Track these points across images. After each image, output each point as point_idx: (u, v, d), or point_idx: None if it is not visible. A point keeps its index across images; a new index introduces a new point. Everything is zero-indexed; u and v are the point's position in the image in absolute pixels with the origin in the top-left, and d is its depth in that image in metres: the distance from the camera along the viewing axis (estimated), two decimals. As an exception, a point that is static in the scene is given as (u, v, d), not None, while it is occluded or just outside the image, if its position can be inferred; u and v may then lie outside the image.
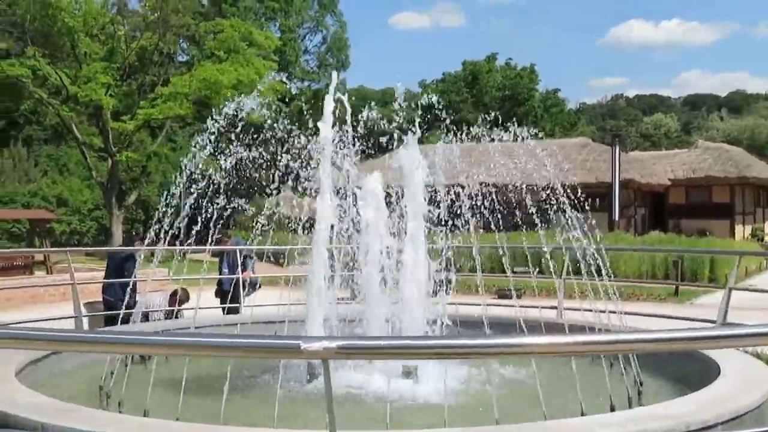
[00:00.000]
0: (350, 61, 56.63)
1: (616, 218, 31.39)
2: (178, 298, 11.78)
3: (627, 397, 6.16)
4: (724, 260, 21.85)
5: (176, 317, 11.20)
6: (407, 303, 6.91)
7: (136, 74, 34.30)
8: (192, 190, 7.63)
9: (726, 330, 3.54)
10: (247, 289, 11.47)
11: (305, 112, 8.34)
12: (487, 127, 8.82)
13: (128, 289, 9.32)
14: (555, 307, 10.55)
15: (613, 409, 5.65)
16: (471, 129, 8.80)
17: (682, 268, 22.05)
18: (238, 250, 11.30)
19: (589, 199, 36.24)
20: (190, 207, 7.47)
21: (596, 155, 36.05)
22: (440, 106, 8.85)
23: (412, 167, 7.34)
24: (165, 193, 7.64)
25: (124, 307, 8.28)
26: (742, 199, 39.26)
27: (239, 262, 11.18)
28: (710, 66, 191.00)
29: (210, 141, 7.92)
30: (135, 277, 10.02)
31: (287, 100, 47.28)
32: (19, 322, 10.13)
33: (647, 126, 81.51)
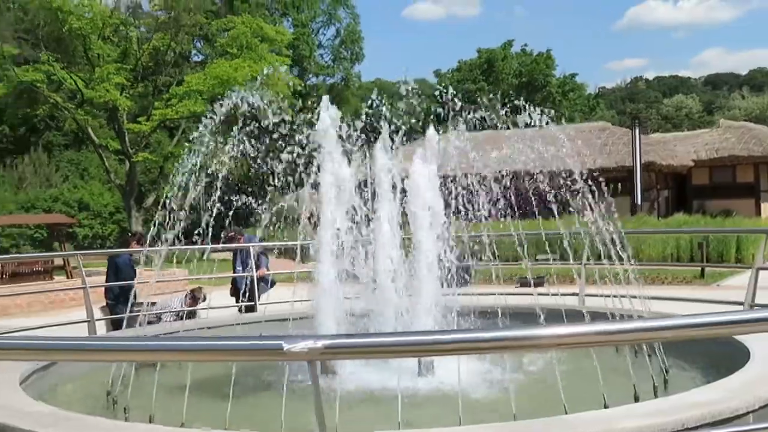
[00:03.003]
0: (364, 53, 56.38)
1: (639, 202, 30.91)
2: (195, 299, 11.67)
3: (652, 386, 5.90)
4: (751, 240, 21.39)
5: (184, 318, 11.09)
6: (419, 295, 6.68)
7: (150, 75, 34.28)
8: (197, 186, 7.47)
9: (753, 313, 3.25)
10: (261, 287, 11.30)
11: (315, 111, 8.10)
12: (505, 113, 8.59)
13: (131, 292, 9.15)
14: (577, 294, 10.27)
15: (637, 399, 5.39)
16: (486, 113, 8.55)
17: (707, 250, 21.61)
18: (251, 248, 11.12)
19: (611, 184, 35.69)
20: (203, 205, 7.35)
21: (615, 139, 35.52)
22: (453, 95, 8.59)
23: (421, 159, 7.14)
24: (166, 194, 7.49)
25: (127, 310, 8.14)
26: (768, 178, 38.56)
27: (252, 260, 11.00)
28: (731, 44, 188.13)
29: (215, 135, 7.78)
30: (136, 279, 9.88)
31: (302, 95, 47.11)
32: (30, 328, 10.06)
33: (668, 108, 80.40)
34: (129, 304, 9.24)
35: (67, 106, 32.19)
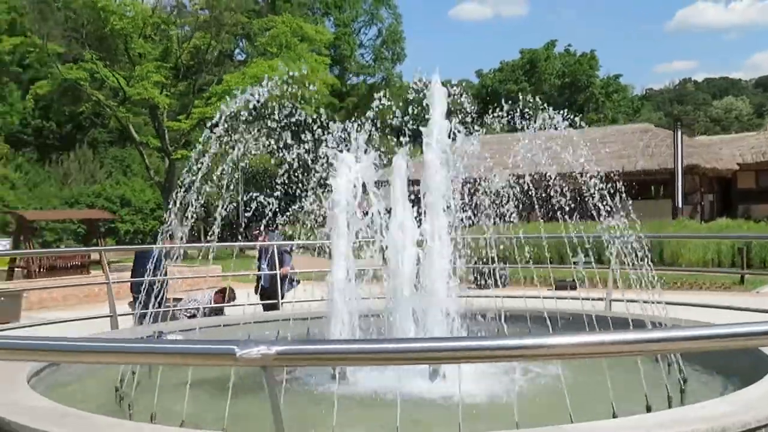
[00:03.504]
0: (405, 53, 56.23)
1: (680, 205, 30.28)
2: (226, 296, 11.73)
3: (666, 396, 5.70)
4: (795, 246, 20.79)
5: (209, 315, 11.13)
6: (430, 297, 6.56)
7: (191, 74, 34.59)
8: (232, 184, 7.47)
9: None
10: (285, 286, 11.27)
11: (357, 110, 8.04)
12: (547, 115, 8.44)
13: (155, 287, 9.17)
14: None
15: (649, 410, 5.20)
16: (525, 115, 8.42)
17: (749, 256, 21.04)
18: (275, 246, 11.11)
19: (652, 186, 34.97)
20: (239, 203, 7.37)
21: (658, 141, 34.89)
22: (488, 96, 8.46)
23: (437, 163, 7.02)
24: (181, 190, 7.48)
25: (152, 306, 8.16)
26: (817, 182, 37.49)
27: (276, 258, 10.99)
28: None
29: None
30: (164, 274, 9.91)
31: (341, 94, 47.17)
32: (52, 322, 10.17)
33: (717, 110, 78.74)
34: (153, 299, 9.26)
35: (109, 103, 32.67)
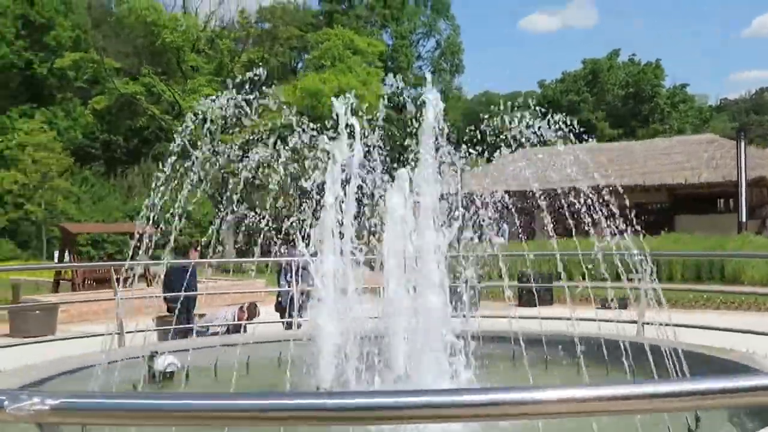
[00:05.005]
0: (464, 65, 55.68)
1: (744, 219, 28.87)
2: (247, 313, 11.51)
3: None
4: None
5: (231, 331, 10.88)
6: (425, 320, 6.08)
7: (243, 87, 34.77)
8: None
9: None
10: (302, 303, 10.90)
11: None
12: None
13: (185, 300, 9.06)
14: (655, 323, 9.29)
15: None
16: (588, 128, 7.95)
17: (816, 274, 19.78)
18: (293, 262, 10.75)
19: (720, 200, 33.27)
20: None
21: (724, 152, 33.44)
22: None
23: (429, 180, 6.60)
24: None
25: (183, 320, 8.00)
26: None
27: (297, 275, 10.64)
28: None
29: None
30: (195, 288, 9.70)
31: (400, 107, 46.80)
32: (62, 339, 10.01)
33: (796, 120, 75.62)
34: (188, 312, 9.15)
35: (164, 117, 33.12)
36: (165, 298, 13.07)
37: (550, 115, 7.75)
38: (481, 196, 7.78)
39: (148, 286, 22.44)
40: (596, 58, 59.21)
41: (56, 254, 26.12)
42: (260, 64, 34.26)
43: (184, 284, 11.75)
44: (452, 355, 5.99)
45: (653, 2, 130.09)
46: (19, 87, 41.96)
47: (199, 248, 14.42)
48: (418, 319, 6.03)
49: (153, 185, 7.38)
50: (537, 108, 7.96)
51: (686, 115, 58.08)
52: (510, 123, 7.67)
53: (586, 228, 7.35)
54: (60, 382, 6.50)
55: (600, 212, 7.27)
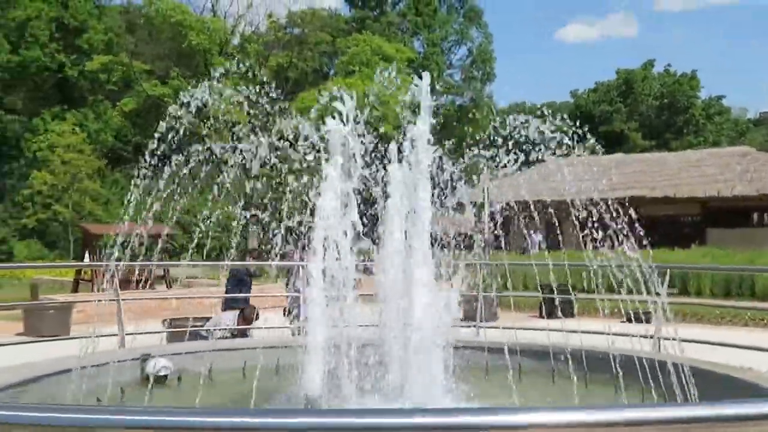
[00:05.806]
0: (495, 73, 55.19)
1: (778, 233, 28.12)
2: (245, 317, 11.34)
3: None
4: None
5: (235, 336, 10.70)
6: (418, 330, 5.78)
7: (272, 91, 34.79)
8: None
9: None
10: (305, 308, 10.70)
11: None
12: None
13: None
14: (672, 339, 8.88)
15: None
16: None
17: None
18: (300, 267, 10.54)
19: (755, 214, 32.46)
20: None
21: (759, 165, 32.66)
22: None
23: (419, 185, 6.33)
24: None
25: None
26: None
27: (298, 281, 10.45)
28: None
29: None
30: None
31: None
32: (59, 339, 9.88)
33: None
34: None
35: (192, 120, 33.20)
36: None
37: (576, 127, 7.48)
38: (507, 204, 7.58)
39: (168, 287, 22.45)
40: (630, 68, 58.41)
41: (87, 255, 26.29)
42: (287, 68, 34.28)
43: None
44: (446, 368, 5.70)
45: (694, 14, 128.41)
46: (52, 89, 42.44)
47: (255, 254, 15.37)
48: (412, 329, 5.74)
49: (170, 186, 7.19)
50: (565, 119, 7.68)
51: (722, 127, 57.03)
52: (541, 133, 7.42)
53: (600, 242, 7.05)
54: (28, 389, 6.30)
55: (621, 224, 6.97)
